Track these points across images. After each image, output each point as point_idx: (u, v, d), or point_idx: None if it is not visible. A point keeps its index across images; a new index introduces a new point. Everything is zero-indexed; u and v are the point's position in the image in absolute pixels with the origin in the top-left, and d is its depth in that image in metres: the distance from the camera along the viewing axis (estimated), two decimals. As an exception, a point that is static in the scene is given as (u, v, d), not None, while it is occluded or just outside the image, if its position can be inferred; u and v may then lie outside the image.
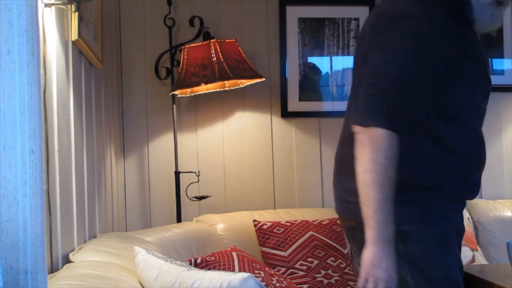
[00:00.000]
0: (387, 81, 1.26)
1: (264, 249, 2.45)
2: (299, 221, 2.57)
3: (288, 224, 2.53)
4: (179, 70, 2.61)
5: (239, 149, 2.94)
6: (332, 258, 2.46)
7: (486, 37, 3.12)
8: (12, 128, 0.75)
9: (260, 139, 2.97)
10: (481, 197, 3.08)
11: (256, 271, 2.13)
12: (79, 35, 1.63)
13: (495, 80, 3.10)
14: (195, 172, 2.77)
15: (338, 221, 2.44)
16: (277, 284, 2.10)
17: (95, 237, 1.92)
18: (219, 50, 2.52)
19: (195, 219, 2.72)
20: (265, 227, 2.49)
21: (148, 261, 1.36)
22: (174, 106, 2.75)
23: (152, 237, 2.02)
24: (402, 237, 1.27)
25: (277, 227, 2.49)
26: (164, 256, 1.41)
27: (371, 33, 1.32)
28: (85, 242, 1.76)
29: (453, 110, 1.31)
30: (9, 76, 0.75)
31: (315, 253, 2.46)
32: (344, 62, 3.03)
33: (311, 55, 3.01)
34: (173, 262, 1.33)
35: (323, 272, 2.41)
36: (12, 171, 0.75)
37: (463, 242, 2.70)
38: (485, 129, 3.28)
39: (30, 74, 0.76)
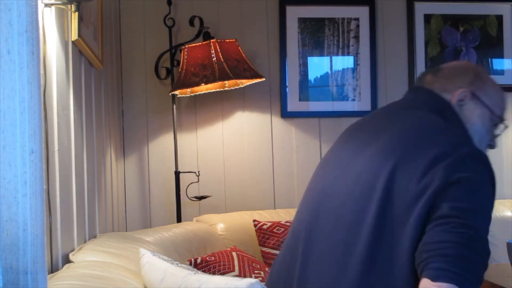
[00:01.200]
0: (487, 248, 1.11)
1: (264, 249, 2.45)
2: (299, 221, 2.57)
3: (288, 224, 2.53)
4: (179, 70, 2.61)
5: (239, 149, 2.94)
6: (332, 258, 2.46)
7: (486, 37, 3.13)
8: (12, 128, 0.75)
9: (260, 139, 2.97)
10: (481, 197, 3.09)
11: (256, 271, 2.13)
12: (79, 35, 1.63)
13: (495, 80, 3.12)
14: (195, 172, 2.77)
15: None
16: (277, 284, 2.09)
17: (95, 237, 1.91)
18: (219, 50, 2.52)
19: (195, 219, 2.72)
20: (265, 227, 2.49)
21: (153, 263, 1.35)
22: (174, 106, 2.75)
23: (152, 237, 2.02)
24: None
25: (277, 227, 2.49)
26: (169, 259, 1.40)
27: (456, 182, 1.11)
28: (85, 242, 1.76)
29: None
30: (9, 76, 0.75)
31: (315, 253, 2.45)
32: (344, 62, 3.03)
33: (311, 55, 3.01)
34: (179, 265, 1.32)
35: (323, 272, 2.41)
36: (12, 171, 0.75)
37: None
38: (485, 129, 3.28)
39: (30, 74, 0.76)
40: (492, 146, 1.37)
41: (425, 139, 1.19)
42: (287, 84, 2.98)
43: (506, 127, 1.36)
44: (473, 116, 1.30)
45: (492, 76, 3.05)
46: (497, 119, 1.33)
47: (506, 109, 1.38)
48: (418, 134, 1.21)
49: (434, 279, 1.01)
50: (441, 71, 1.34)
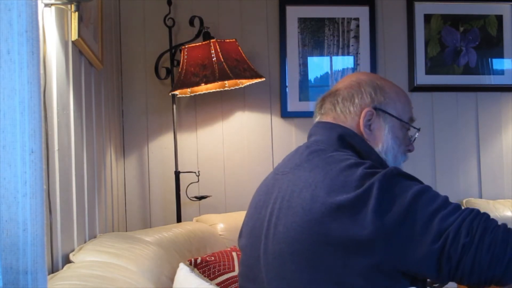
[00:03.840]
0: None
1: (264, 249, 2.45)
2: (299, 221, 2.56)
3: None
4: (179, 70, 2.61)
5: (239, 149, 2.94)
6: (332, 258, 2.45)
7: (486, 37, 3.13)
8: (12, 128, 0.74)
9: (260, 139, 2.97)
10: (481, 197, 3.09)
11: (256, 271, 2.12)
12: (79, 35, 1.63)
13: (495, 80, 3.12)
14: (195, 172, 2.77)
15: None
16: (277, 284, 2.09)
17: (95, 237, 1.91)
18: (219, 50, 2.52)
19: (195, 219, 2.72)
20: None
21: (188, 278, 1.38)
22: (174, 106, 2.75)
23: (152, 237, 2.02)
24: None
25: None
26: (204, 278, 1.43)
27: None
28: (85, 242, 1.76)
29: None
30: (9, 76, 0.75)
31: (315, 253, 2.45)
32: (344, 62, 3.03)
33: (311, 55, 3.01)
34: (212, 285, 1.36)
35: (323, 272, 2.40)
36: (12, 171, 0.75)
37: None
38: (485, 129, 3.29)
39: (30, 74, 0.76)
40: (410, 150, 1.36)
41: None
42: (287, 84, 2.98)
43: (418, 129, 1.35)
44: (383, 133, 1.28)
45: (492, 77, 3.11)
46: (407, 125, 1.32)
47: (412, 108, 1.35)
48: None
49: None
50: (339, 93, 1.31)
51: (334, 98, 1.31)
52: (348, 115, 1.29)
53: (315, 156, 1.22)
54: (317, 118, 1.36)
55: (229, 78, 2.48)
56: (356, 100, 1.29)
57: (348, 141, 1.26)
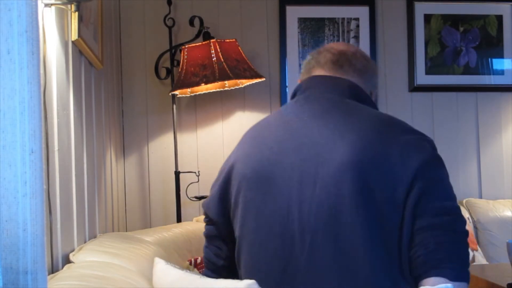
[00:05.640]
0: None
1: (264, 249, 2.45)
2: (299, 221, 2.56)
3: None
4: (179, 70, 2.61)
5: (239, 149, 2.94)
6: (332, 258, 2.45)
7: (486, 37, 3.13)
8: (12, 128, 0.75)
9: (260, 139, 2.96)
10: (481, 197, 3.09)
11: (256, 271, 2.12)
12: (79, 35, 1.63)
13: (495, 80, 3.12)
14: (195, 172, 2.77)
15: None
16: (277, 284, 2.09)
17: (95, 237, 1.91)
18: (219, 50, 2.52)
19: (195, 219, 2.72)
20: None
21: (164, 270, 1.38)
22: (174, 106, 2.75)
23: (152, 237, 2.02)
24: None
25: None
26: (180, 267, 1.44)
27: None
28: (85, 242, 1.76)
29: None
30: (9, 76, 0.75)
31: (315, 253, 2.45)
32: (344, 62, 3.03)
33: (311, 55, 3.00)
34: (188, 271, 1.37)
35: (323, 272, 2.40)
36: (12, 171, 0.75)
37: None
38: (485, 129, 3.29)
39: (30, 74, 0.76)
40: None
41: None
42: (287, 84, 2.98)
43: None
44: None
45: (492, 77, 3.09)
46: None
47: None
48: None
49: (453, 279, 1.09)
50: (353, 63, 1.39)
51: (348, 64, 1.39)
52: (357, 79, 1.39)
53: (341, 105, 1.31)
54: (314, 69, 1.43)
55: (229, 78, 2.48)
56: (369, 79, 1.41)
57: (358, 94, 1.35)
